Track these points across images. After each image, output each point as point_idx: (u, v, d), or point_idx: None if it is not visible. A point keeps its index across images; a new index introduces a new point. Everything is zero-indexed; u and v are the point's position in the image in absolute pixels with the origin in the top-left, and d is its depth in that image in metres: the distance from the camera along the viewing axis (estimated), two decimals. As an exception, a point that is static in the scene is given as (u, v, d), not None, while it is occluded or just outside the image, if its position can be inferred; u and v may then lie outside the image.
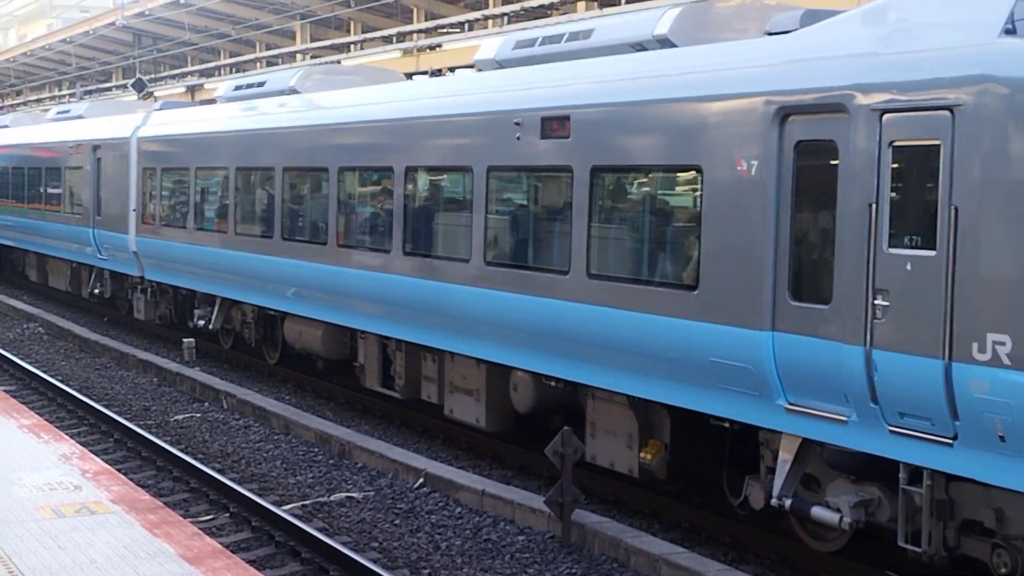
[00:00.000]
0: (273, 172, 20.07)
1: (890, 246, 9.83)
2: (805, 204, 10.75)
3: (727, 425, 11.85)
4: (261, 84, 22.32)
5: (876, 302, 9.89)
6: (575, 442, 12.51)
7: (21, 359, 24.07)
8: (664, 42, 13.13)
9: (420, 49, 34.23)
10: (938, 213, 9.44)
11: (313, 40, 41.96)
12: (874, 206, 9.92)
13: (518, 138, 14.18)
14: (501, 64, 15.62)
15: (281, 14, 41.09)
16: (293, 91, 21.02)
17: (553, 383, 14.18)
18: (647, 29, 13.34)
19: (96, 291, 29.91)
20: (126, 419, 18.47)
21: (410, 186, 16.45)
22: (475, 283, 14.90)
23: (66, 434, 15.32)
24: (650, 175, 12.65)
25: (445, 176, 16.10)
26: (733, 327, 11.24)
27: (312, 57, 40.05)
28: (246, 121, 21.56)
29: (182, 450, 16.60)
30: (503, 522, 13.28)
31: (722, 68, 11.75)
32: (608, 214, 13.13)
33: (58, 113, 35.38)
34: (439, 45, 33.71)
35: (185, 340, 23.53)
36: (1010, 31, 9.22)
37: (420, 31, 35.17)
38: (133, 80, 46.69)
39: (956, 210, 9.29)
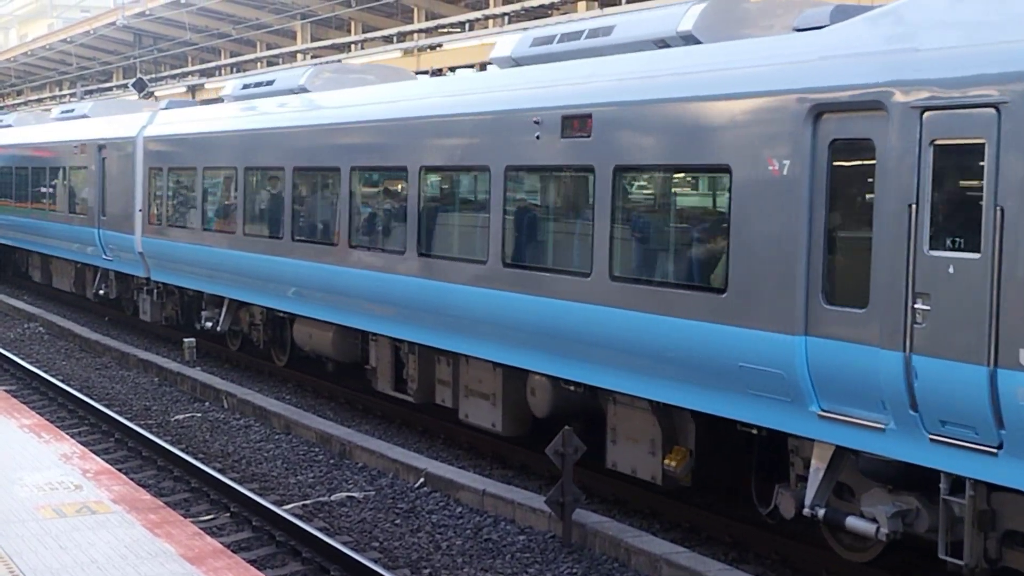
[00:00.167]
0: (283, 172, 19.79)
1: (931, 248, 9.53)
2: (839, 204, 10.44)
3: (755, 432, 11.57)
4: (270, 83, 21.99)
5: (916, 306, 9.59)
6: (575, 442, 12.41)
7: (22, 359, 23.97)
8: (688, 38, 12.83)
9: (421, 49, 34.11)
10: (983, 214, 9.15)
11: (314, 40, 41.81)
12: (914, 207, 9.62)
13: (537, 137, 13.90)
14: (518, 62, 15.33)
15: (282, 14, 40.97)
16: (303, 90, 20.72)
17: (572, 387, 13.92)
18: (671, 25, 13.06)
19: (101, 292, 29.68)
20: (127, 419, 18.40)
21: (425, 186, 16.17)
22: (492, 285, 14.63)
23: (67, 434, 15.27)
24: (676, 175, 12.36)
25: (461, 176, 15.81)
26: (764, 331, 10.95)
27: (312, 57, 39.87)
28: (255, 120, 21.29)
29: (183, 450, 16.54)
30: (504, 522, 13.24)
31: (751, 65, 11.45)
32: (631, 215, 12.84)
33: (62, 112, 35.04)
34: (439, 45, 33.61)
35: (186, 340, 23.44)
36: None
37: (420, 31, 35.04)
38: (134, 80, 46.55)
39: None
